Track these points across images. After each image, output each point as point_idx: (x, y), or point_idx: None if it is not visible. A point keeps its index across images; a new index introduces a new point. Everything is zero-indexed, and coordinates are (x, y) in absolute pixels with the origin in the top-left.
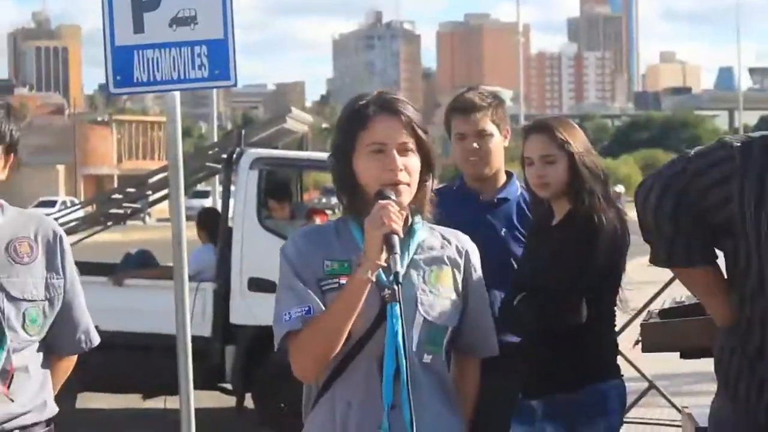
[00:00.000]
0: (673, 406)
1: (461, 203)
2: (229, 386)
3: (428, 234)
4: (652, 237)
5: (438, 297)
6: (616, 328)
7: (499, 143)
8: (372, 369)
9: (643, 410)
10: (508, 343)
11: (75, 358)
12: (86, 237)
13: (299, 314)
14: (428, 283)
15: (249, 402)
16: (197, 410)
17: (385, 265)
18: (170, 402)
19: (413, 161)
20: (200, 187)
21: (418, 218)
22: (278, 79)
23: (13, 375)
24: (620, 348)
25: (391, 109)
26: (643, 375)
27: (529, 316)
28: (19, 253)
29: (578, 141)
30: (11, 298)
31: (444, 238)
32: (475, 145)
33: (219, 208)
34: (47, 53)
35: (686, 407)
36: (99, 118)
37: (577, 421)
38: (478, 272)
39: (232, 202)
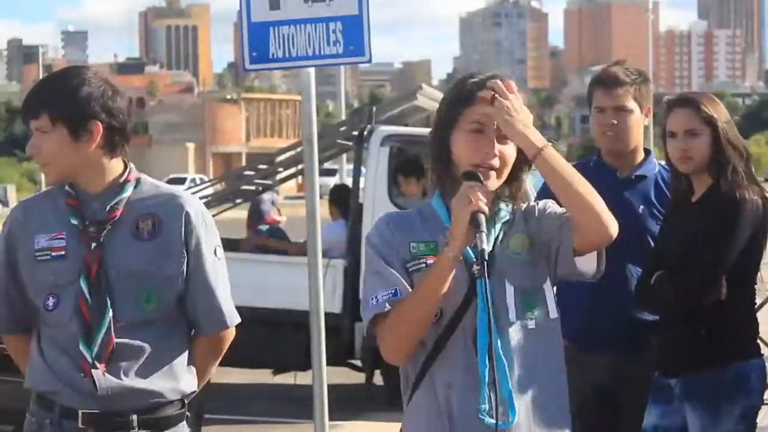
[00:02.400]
0: None
1: (598, 179)
2: (358, 363)
3: (509, 213)
4: None
5: (522, 262)
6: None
7: (638, 120)
8: (468, 347)
9: None
10: (644, 320)
11: (222, 339)
12: (216, 214)
13: (386, 297)
14: (511, 251)
15: (378, 379)
16: (327, 386)
17: (472, 244)
18: (300, 378)
19: (510, 149)
20: (327, 165)
21: (503, 205)
22: (405, 57)
23: (112, 351)
24: None
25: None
26: None
27: (669, 294)
28: (140, 228)
29: (722, 116)
30: (124, 274)
31: (522, 212)
32: (613, 120)
33: (349, 184)
34: (177, 32)
35: None
36: (228, 96)
37: (717, 401)
38: (545, 205)
39: (362, 179)
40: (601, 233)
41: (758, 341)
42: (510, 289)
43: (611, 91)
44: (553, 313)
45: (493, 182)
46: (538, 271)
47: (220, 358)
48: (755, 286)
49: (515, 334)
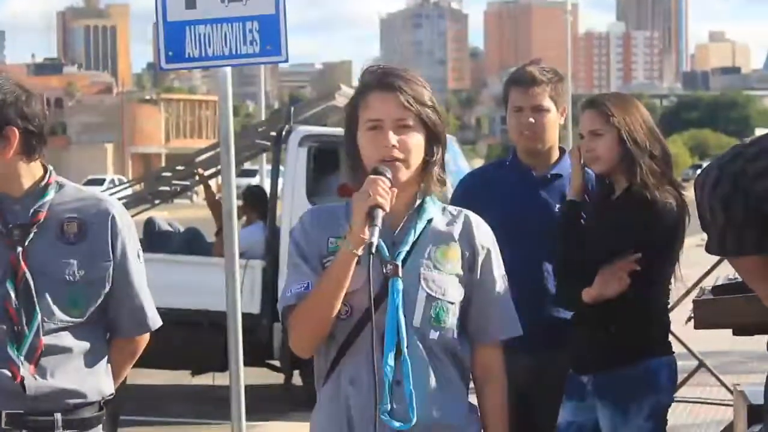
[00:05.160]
0: (723, 384)
1: (514, 178)
2: (277, 363)
3: (438, 212)
4: (707, 224)
5: (442, 273)
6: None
7: (554, 119)
8: (375, 346)
9: (692, 389)
10: (559, 318)
11: (140, 341)
12: (134, 215)
13: (298, 290)
14: (433, 259)
15: (297, 379)
16: (245, 387)
17: (368, 238)
18: (218, 378)
19: (412, 138)
20: (247, 165)
21: (429, 198)
22: (325, 58)
23: (41, 354)
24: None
25: (388, 85)
26: (692, 353)
27: (572, 292)
28: (65, 232)
29: (631, 116)
30: (50, 278)
31: (453, 216)
32: (530, 119)
33: (266, 186)
34: (96, 32)
35: (738, 385)
36: (147, 97)
37: (626, 398)
38: (486, 250)
39: (280, 179)
40: None
41: (669, 339)
42: (422, 294)
43: (528, 90)
44: (455, 333)
45: (403, 173)
46: (455, 288)
47: (134, 361)
48: (669, 286)
49: (420, 338)
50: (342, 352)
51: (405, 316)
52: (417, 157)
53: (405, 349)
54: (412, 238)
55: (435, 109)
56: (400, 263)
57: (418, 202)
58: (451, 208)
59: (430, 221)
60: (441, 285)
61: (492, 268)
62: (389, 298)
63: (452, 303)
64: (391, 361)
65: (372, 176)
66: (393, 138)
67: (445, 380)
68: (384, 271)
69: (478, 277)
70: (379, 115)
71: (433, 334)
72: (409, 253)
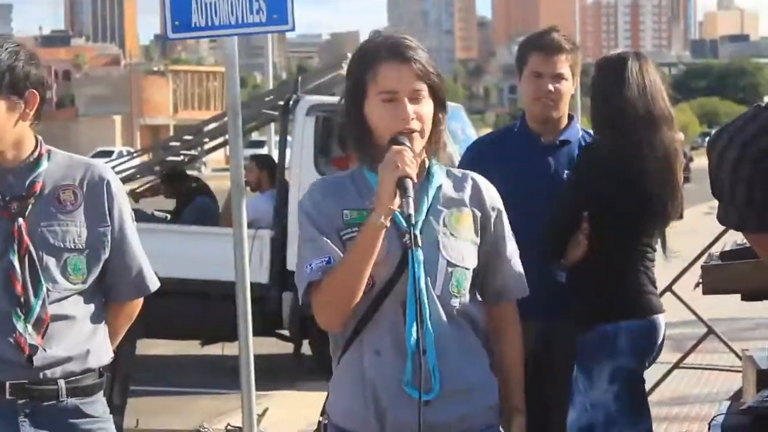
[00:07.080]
0: (732, 351)
1: (522, 145)
2: (286, 333)
3: (445, 178)
4: (724, 197)
5: (458, 239)
6: (676, 273)
7: (570, 88)
8: (398, 316)
9: (701, 355)
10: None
11: (137, 304)
12: (141, 186)
13: (320, 265)
14: (449, 225)
15: (306, 348)
16: (255, 356)
17: (398, 209)
18: (228, 348)
19: (426, 108)
20: (255, 136)
21: (434, 162)
22: (333, 29)
23: (48, 324)
24: (679, 292)
25: (402, 55)
26: (701, 319)
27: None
28: (62, 200)
29: (600, 71)
30: (52, 247)
31: (460, 180)
32: (550, 86)
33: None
34: (103, 4)
35: (747, 350)
36: (155, 69)
37: (588, 362)
38: (497, 211)
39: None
40: None
41: (638, 304)
42: (443, 262)
43: (551, 58)
44: (471, 299)
45: (419, 143)
46: (470, 254)
47: (131, 323)
48: (641, 247)
49: (443, 307)
50: (363, 323)
51: (430, 285)
52: (429, 125)
53: (428, 320)
54: (425, 206)
55: (439, 76)
56: (418, 232)
57: (426, 168)
58: (455, 170)
59: (440, 187)
60: (459, 251)
61: (504, 230)
62: (410, 267)
63: (468, 269)
64: (414, 331)
65: (396, 147)
66: (411, 109)
67: (467, 347)
68: (402, 241)
69: (492, 239)
70: (396, 87)
71: (454, 302)
72: (424, 221)
